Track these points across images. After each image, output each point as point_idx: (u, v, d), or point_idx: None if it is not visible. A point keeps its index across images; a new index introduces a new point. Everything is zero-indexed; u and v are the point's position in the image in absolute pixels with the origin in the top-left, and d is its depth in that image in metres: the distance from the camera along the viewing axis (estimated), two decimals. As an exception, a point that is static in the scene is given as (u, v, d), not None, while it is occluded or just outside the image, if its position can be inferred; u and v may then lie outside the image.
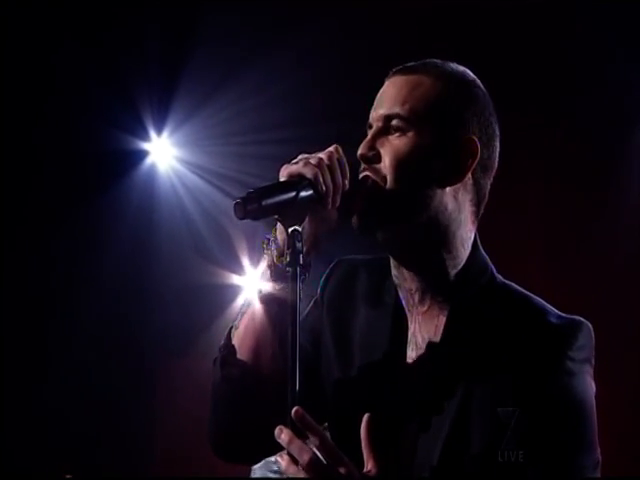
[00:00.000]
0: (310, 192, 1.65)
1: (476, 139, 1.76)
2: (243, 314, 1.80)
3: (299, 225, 1.64)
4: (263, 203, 1.59)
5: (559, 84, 4.54)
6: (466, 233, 1.78)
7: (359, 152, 1.77)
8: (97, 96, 4.69)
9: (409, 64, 1.83)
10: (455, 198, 1.76)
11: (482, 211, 1.83)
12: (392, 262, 1.81)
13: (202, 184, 5.01)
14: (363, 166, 1.77)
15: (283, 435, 1.52)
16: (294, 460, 1.51)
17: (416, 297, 1.78)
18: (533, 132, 4.59)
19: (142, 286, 4.96)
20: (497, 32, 4.53)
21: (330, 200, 1.68)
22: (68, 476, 4.47)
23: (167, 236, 4.96)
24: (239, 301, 4.75)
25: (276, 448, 1.57)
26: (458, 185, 1.76)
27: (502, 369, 1.67)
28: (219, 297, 4.94)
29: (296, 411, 1.52)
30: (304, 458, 1.50)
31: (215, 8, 4.67)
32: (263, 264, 1.74)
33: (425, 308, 1.78)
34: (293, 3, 4.62)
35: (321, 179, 1.66)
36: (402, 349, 1.78)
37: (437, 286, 1.76)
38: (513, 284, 1.82)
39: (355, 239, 1.78)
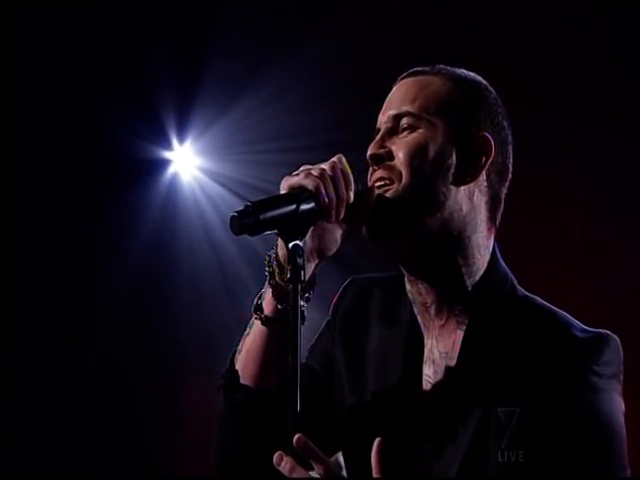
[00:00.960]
0: (312, 205, 1.59)
1: (490, 136, 1.70)
2: (246, 337, 1.74)
3: (300, 240, 1.57)
4: (261, 217, 1.53)
5: (611, 100, 4.42)
6: (482, 239, 1.71)
7: (369, 152, 1.71)
8: (120, 107, 4.69)
9: (417, 68, 1.78)
10: (470, 199, 1.69)
11: (499, 220, 1.76)
12: (406, 277, 1.74)
13: (223, 192, 5.00)
14: (372, 168, 1.70)
15: (284, 463, 1.45)
16: None
17: (432, 310, 1.71)
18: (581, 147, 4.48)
19: (161, 295, 4.92)
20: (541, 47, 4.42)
21: (334, 213, 1.61)
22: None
23: (188, 245, 4.93)
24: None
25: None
26: (473, 185, 1.69)
27: (523, 386, 1.59)
28: (241, 308, 4.89)
29: (298, 439, 1.45)
30: None
31: (233, 18, 4.65)
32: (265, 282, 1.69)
33: (442, 322, 1.71)
34: (310, 12, 4.58)
35: (323, 191, 1.59)
36: (418, 367, 1.72)
37: (454, 297, 1.69)
38: (536, 297, 1.74)
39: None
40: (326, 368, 1.82)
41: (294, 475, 1.44)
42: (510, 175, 1.77)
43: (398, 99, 1.74)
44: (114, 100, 4.68)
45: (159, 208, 4.97)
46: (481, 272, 1.70)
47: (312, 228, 1.63)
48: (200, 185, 5.05)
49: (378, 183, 1.70)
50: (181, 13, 4.72)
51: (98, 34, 4.59)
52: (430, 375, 1.70)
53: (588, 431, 1.57)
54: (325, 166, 1.63)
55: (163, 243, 4.94)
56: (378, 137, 1.73)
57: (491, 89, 1.78)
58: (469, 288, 1.69)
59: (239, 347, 1.75)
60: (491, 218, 1.74)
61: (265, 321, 1.70)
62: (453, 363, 1.67)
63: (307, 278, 1.64)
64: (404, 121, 1.70)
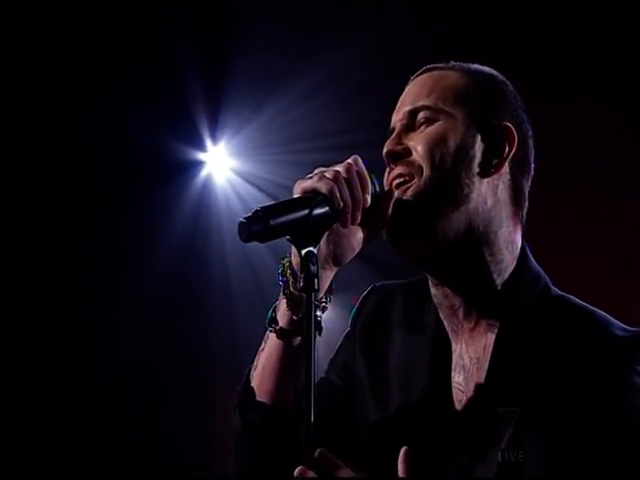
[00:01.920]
0: (326, 209, 1.50)
1: (511, 126, 1.62)
2: (261, 352, 1.67)
3: (314, 246, 1.48)
4: (271, 222, 1.44)
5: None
6: (509, 235, 1.63)
7: (385, 150, 1.64)
8: (154, 108, 4.69)
9: (430, 65, 1.72)
10: (494, 193, 1.62)
11: (524, 217, 1.68)
12: (430, 281, 1.66)
13: (256, 193, 4.96)
14: (389, 166, 1.63)
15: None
16: None
17: (460, 313, 1.63)
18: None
19: (193, 297, 4.92)
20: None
21: (349, 217, 1.53)
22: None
23: (219, 247, 4.90)
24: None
25: None
26: (497, 178, 1.62)
27: (561, 390, 1.51)
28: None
29: (321, 453, 1.38)
30: None
31: (263, 23, 4.61)
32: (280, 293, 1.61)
33: (472, 325, 1.62)
34: (339, 12, 4.52)
35: (338, 194, 1.51)
36: (446, 374, 1.63)
37: (483, 297, 1.61)
38: (572, 297, 1.65)
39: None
40: (347, 381, 1.75)
41: None
42: (533, 171, 1.69)
43: (413, 95, 1.67)
44: (148, 102, 4.68)
45: (192, 210, 4.96)
46: (510, 270, 1.62)
47: (327, 234, 1.55)
48: (233, 187, 5.03)
49: (397, 180, 1.62)
50: (210, 13, 4.71)
51: (132, 39, 4.61)
52: (461, 383, 1.62)
53: (632, 433, 1.48)
54: (339, 168, 1.55)
55: (195, 245, 4.93)
56: (394, 135, 1.65)
57: (508, 83, 1.70)
58: (499, 287, 1.61)
59: (254, 363, 1.69)
60: (517, 213, 1.66)
61: (280, 333, 1.62)
62: (485, 369, 1.58)
63: (323, 286, 1.56)
64: (421, 115, 1.63)
